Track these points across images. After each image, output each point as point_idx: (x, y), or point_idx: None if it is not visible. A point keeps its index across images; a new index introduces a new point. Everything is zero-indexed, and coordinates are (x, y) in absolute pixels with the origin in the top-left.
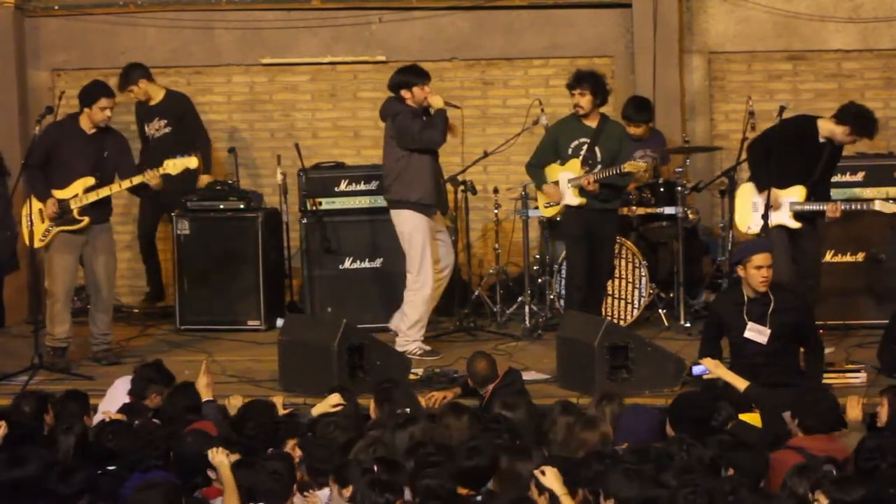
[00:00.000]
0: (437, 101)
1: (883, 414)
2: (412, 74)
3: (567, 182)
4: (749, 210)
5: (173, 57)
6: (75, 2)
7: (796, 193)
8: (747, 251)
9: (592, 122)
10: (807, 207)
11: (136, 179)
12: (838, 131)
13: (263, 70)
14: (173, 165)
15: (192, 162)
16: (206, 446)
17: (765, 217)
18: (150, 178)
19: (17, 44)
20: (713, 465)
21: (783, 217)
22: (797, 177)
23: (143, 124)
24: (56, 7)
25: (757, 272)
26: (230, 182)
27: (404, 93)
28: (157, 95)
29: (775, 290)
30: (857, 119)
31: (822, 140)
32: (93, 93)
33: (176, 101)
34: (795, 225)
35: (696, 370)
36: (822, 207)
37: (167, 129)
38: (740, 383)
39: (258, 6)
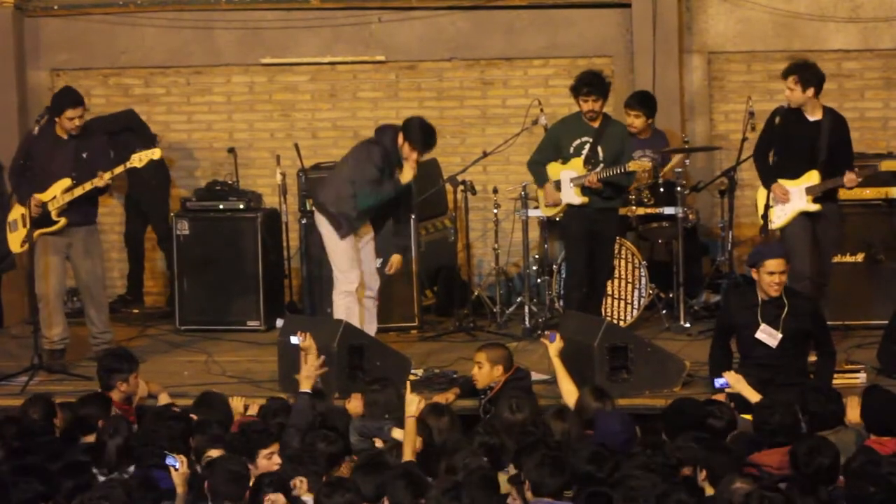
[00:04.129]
0: (406, 174)
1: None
2: (418, 134)
3: (569, 181)
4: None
5: (173, 57)
6: (75, 2)
7: (810, 178)
8: (761, 255)
9: (595, 122)
10: (822, 187)
11: (106, 176)
12: (804, 98)
13: (263, 70)
14: (139, 159)
15: (156, 153)
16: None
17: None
18: (99, 180)
19: (17, 44)
20: (679, 465)
21: (801, 203)
22: (804, 162)
23: None
24: (56, 7)
25: (769, 277)
26: (230, 182)
27: (402, 137)
28: None
29: (790, 295)
30: (790, 68)
31: (812, 119)
32: (58, 104)
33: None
34: (815, 207)
35: (718, 383)
36: (837, 182)
37: None
38: (756, 399)
39: (258, 6)
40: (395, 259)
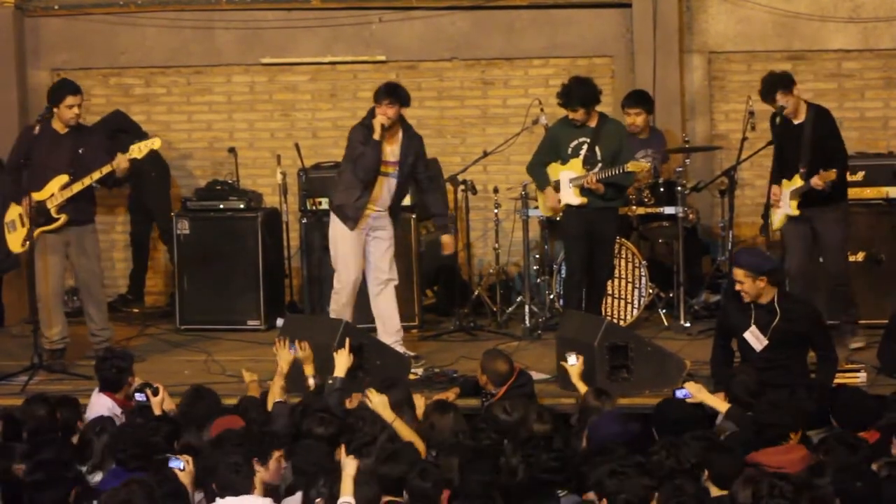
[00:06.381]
0: (375, 129)
1: None
2: (381, 86)
3: (568, 182)
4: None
5: (173, 57)
6: (75, 2)
7: (794, 182)
8: (733, 262)
9: (592, 122)
10: (801, 190)
11: (105, 169)
12: (797, 102)
13: (263, 70)
14: (139, 149)
15: (156, 143)
16: None
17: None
18: (117, 164)
19: (17, 44)
20: (693, 469)
21: (787, 208)
22: (793, 166)
23: None
24: (56, 7)
25: (736, 283)
26: (230, 182)
27: (375, 106)
28: None
29: (782, 301)
30: (772, 85)
31: (797, 123)
32: (58, 92)
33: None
34: (794, 212)
35: (679, 394)
36: (810, 184)
37: None
38: (722, 406)
39: (258, 6)
40: (445, 240)
